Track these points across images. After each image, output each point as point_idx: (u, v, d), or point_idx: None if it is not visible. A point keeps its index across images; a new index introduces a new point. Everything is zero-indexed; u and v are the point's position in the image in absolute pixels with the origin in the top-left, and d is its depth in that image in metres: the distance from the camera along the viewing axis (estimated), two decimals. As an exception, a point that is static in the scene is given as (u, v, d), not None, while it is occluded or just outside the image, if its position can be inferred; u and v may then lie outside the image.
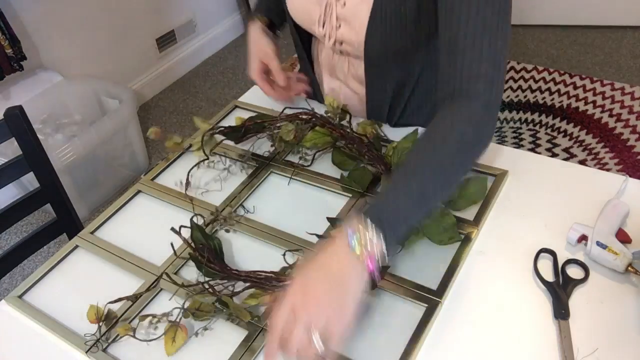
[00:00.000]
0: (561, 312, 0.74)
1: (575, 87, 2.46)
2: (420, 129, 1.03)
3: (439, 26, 0.80)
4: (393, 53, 0.95)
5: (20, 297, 0.89)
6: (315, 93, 1.18)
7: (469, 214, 0.89)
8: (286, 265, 0.83)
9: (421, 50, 0.94)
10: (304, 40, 1.11)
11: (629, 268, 0.77)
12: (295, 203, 0.97)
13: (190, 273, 0.88)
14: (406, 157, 0.74)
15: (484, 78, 0.75)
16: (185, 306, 0.79)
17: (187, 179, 1.03)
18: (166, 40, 2.79)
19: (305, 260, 0.68)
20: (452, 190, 0.74)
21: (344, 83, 1.09)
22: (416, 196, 0.69)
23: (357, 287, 0.64)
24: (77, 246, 0.96)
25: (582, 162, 2.09)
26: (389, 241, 0.66)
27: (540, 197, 0.91)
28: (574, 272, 0.80)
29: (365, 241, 0.64)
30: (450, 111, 0.76)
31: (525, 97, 2.46)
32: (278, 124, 1.06)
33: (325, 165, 1.03)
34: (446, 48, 0.78)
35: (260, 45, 1.07)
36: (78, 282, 0.91)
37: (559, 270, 0.79)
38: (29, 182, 1.88)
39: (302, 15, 1.02)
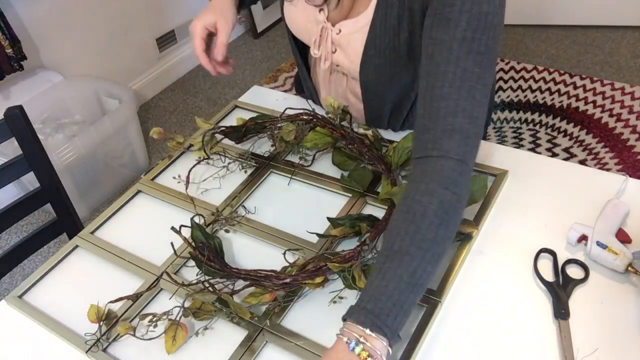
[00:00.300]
0: (561, 312, 0.74)
1: (576, 87, 2.46)
2: None
3: (419, 71, 0.77)
4: (388, 79, 0.95)
5: (20, 297, 0.89)
6: (314, 100, 1.18)
7: (469, 213, 0.89)
8: (287, 264, 0.83)
9: (415, 77, 0.94)
10: (301, 49, 1.10)
11: (629, 268, 0.77)
12: (295, 203, 0.97)
13: (190, 273, 0.88)
14: (386, 238, 0.70)
15: (459, 132, 0.71)
16: (186, 305, 0.79)
17: (188, 178, 1.03)
18: (166, 40, 2.79)
19: None
20: (440, 264, 0.69)
21: (341, 96, 1.09)
22: (407, 281, 0.65)
23: None
24: (77, 246, 0.96)
25: (582, 162, 2.09)
26: (393, 342, 0.64)
27: (540, 197, 0.91)
28: (574, 272, 0.80)
29: (371, 352, 0.62)
30: (424, 175, 0.72)
31: (525, 97, 2.46)
32: (279, 124, 1.06)
33: (325, 166, 1.03)
34: (423, 95, 0.75)
35: (225, 12, 1.00)
36: (78, 282, 0.91)
37: (559, 270, 0.79)
38: (29, 182, 1.88)
39: (301, 32, 1.02)
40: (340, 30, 0.93)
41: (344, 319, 0.66)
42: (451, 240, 0.71)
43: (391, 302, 0.64)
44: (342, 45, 0.94)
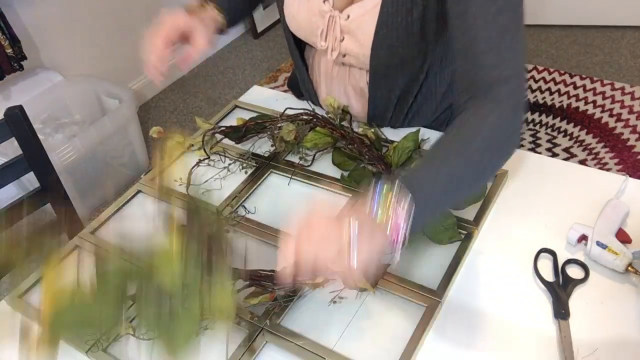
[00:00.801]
0: (561, 312, 0.74)
1: (576, 87, 2.46)
2: (423, 130, 1.03)
3: (452, 31, 0.78)
4: (399, 62, 0.94)
5: (20, 297, 0.89)
6: (312, 100, 1.17)
7: (469, 213, 0.89)
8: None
9: (426, 58, 0.94)
10: (298, 48, 1.10)
11: (629, 268, 0.77)
12: (295, 203, 0.97)
13: (191, 273, 0.88)
14: (435, 145, 0.73)
15: (509, 81, 0.73)
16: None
17: (189, 178, 1.03)
18: (166, 40, 2.78)
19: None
20: (477, 188, 0.73)
21: (343, 93, 1.08)
22: (445, 181, 0.68)
23: (373, 245, 0.62)
24: (77, 246, 0.96)
25: (583, 162, 2.09)
26: (417, 216, 0.64)
27: (540, 197, 0.91)
28: (574, 272, 0.80)
29: (392, 207, 0.62)
30: (478, 111, 0.73)
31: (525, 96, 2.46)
32: (279, 124, 1.06)
33: (325, 166, 1.03)
34: (464, 53, 0.76)
35: (203, 17, 0.96)
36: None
37: (559, 270, 0.79)
38: (29, 181, 1.88)
39: (304, 28, 1.01)
40: (348, 16, 0.92)
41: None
42: (493, 171, 0.75)
43: (427, 190, 0.66)
44: (351, 30, 0.93)
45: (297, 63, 1.12)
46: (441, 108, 1.08)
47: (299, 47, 1.10)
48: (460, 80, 0.78)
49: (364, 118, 1.09)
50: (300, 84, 1.19)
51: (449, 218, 0.85)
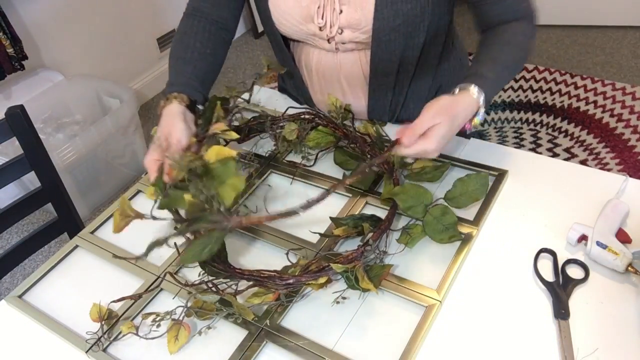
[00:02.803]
0: (561, 312, 0.74)
1: (576, 87, 2.46)
2: None
3: None
4: (401, 22, 0.94)
5: (20, 297, 0.89)
6: (307, 102, 1.16)
7: (469, 213, 0.89)
8: (289, 264, 0.83)
9: (426, 18, 0.95)
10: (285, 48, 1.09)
11: (629, 268, 0.77)
12: (297, 203, 0.97)
13: (190, 273, 0.88)
14: (485, 49, 0.94)
15: (526, 11, 0.94)
16: (188, 305, 0.79)
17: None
18: (167, 40, 2.79)
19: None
20: (520, 69, 1.09)
21: (338, 89, 1.08)
22: (501, 71, 0.91)
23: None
24: (77, 246, 0.96)
25: (583, 162, 2.09)
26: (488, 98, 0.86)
27: (540, 197, 0.91)
28: (574, 272, 0.80)
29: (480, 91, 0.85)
30: (509, 27, 0.93)
31: (526, 97, 2.46)
32: (281, 124, 1.06)
33: (327, 165, 1.03)
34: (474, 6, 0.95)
35: (176, 132, 0.87)
36: (78, 281, 0.91)
37: (559, 270, 0.79)
38: (30, 181, 1.88)
39: (293, 16, 0.99)
40: None
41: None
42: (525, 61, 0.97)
43: (492, 80, 0.88)
44: (351, 0, 0.94)
45: (287, 63, 1.11)
46: (434, 86, 1.09)
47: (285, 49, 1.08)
48: (484, 16, 0.96)
49: (362, 114, 1.09)
50: (291, 88, 1.18)
51: (450, 217, 0.85)
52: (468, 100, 0.84)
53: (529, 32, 0.94)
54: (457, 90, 0.85)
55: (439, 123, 0.80)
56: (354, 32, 0.96)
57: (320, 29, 0.98)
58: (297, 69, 1.12)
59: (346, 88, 1.07)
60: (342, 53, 1.02)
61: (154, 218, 0.81)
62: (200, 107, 0.97)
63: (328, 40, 1.00)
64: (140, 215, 0.83)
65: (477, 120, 0.87)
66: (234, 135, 0.89)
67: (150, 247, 0.74)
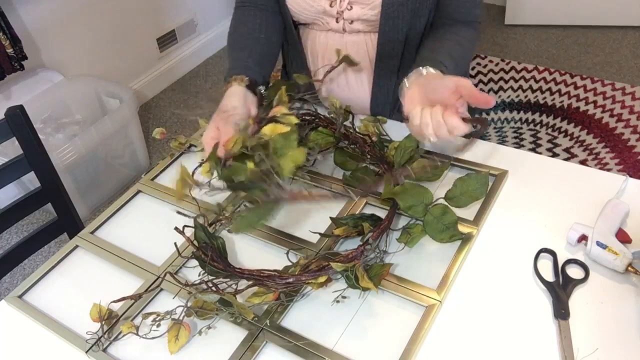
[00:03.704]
0: (561, 312, 0.74)
1: (576, 87, 2.46)
2: None
3: None
4: None
5: (20, 297, 0.89)
6: (308, 87, 1.17)
7: (469, 213, 0.89)
8: (288, 264, 0.83)
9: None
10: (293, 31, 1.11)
11: (629, 268, 0.77)
12: (297, 202, 0.97)
13: (190, 273, 0.88)
14: (435, 43, 0.98)
15: (476, 18, 1.00)
16: (188, 305, 0.79)
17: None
18: (167, 40, 2.79)
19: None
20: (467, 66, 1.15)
21: (343, 77, 1.09)
22: (452, 70, 0.92)
23: None
24: (77, 246, 0.96)
25: (583, 162, 2.09)
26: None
27: (540, 197, 0.91)
28: (574, 272, 0.80)
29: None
30: (459, 30, 0.99)
31: (526, 97, 2.46)
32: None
33: (327, 166, 1.03)
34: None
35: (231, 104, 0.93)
36: (78, 282, 0.91)
37: (559, 270, 0.79)
38: (30, 181, 1.88)
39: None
40: None
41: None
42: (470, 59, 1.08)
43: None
44: None
45: (295, 47, 1.13)
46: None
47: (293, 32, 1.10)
48: (444, 12, 1.00)
49: (365, 101, 1.10)
50: (294, 63, 1.19)
51: (450, 216, 0.86)
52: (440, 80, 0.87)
53: (475, 41, 1.02)
54: (424, 71, 0.87)
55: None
56: (363, 7, 0.98)
57: (331, 4, 1.00)
58: (303, 54, 1.13)
59: (350, 74, 1.07)
60: (348, 35, 1.03)
61: (212, 188, 0.85)
62: (262, 88, 1.00)
63: (337, 20, 1.00)
64: (199, 184, 0.87)
65: None
66: (294, 119, 0.87)
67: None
